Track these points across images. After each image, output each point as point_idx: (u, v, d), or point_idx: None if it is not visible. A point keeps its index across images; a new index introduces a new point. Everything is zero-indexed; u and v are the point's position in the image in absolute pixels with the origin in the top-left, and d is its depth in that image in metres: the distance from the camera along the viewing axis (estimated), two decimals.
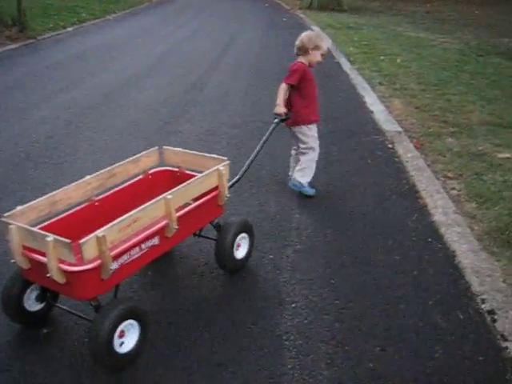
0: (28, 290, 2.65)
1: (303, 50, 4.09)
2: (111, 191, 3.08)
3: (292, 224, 3.91)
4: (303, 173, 4.25)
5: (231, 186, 3.29)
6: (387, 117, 6.46)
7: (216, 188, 3.00)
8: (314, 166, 4.28)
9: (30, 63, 9.61)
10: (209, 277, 3.23)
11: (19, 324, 2.74)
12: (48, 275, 2.28)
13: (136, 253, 2.53)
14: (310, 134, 4.20)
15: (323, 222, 3.95)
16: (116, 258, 2.40)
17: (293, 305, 3.00)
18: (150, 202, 2.57)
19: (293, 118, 4.06)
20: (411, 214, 4.06)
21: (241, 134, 5.86)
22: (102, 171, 3.02)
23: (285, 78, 4.08)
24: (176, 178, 3.21)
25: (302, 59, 4.13)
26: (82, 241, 2.23)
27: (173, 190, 2.71)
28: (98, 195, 3.00)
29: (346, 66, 9.69)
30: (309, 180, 4.29)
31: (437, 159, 5.12)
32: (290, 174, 4.45)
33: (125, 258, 2.46)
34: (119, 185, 3.14)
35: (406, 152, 5.26)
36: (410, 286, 3.18)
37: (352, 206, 4.22)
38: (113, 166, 3.08)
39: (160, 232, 2.64)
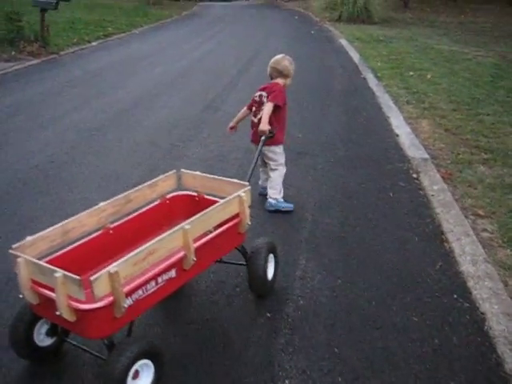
0: (38, 324, 2.50)
1: (284, 74, 4.17)
2: (127, 218, 2.93)
3: (297, 272, 3.42)
4: (275, 190, 4.24)
5: None
6: (413, 141, 5.92)
7: (237, 215, 2.83)
8: (281, 180, 4.30)
9: (46, 80, 9.37)
10: (201, 326, 2.77)
11: (28, 360, 2.57)
12: (57, 313, 2.14)
13: (152, 287, 2.36)
14: (279, 152, 4.24)
15: (332, 271, 3.44)
16: (130, 293, 2.25)
17: (286, 381, 2.51)
18: (167, 233, 2.40)
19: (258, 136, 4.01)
20: (435, 262, 3.53)
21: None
22: (117, 197, 2.86)
23: (270, 98, 4.03)
24: (195, 203, 3.08)
25: (279, 81, 4.18)
26: (92, 277, 2.08)
27: (191, 219, 2.54)
28: (112, 222, 2.85)
29: (373, 82, 9.15)
30: (282, 195, 4.29)
31: (466, 192, 4.56)
32: (259, 182, 4.48)
33: (140, 293, 2.31)
34: (135, 211, 3.00)
35: (432, 183, 4.72)
36: (429, 361, 2.65)
37: (368, 250, 3.70)
38: (129, 191, 2.92)
39: (177, 264, 2.48)
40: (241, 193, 2.81)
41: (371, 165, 5.30)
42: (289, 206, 4.26)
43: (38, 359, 2.57)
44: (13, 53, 10.94)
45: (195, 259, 2.52)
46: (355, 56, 11.89)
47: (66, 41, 13.01)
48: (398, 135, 6.19)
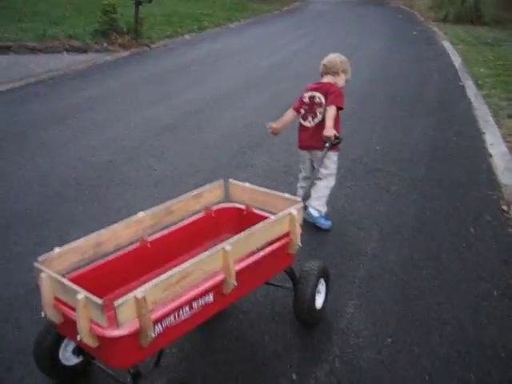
0: (64, 342, 2.30)
1: (333, 71, 3.77)
2: (167, 231, 2.69)
3: (340, 323, 2.85)
4: (321, 201, 3.81)
5: None
6: (509, 164, 5.07)
7: (287, 235, 2.53)
8: (328, 193, 3.86)
9: (130, 73, 9.31)
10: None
11: (53, 378, 2.36)
12: (78, 338, 1.94)
13: (185, 313, 2.10)
14: (333, 160, 3.83)
15: (384, 326, 2.84)
16: (159, 320, 1.99)
17: None
18: (205, 254, 2.14)
19: (321, 142, 3.56)
20: None
21: None
22: (157, 207, 2.62)
23: (331, 100, 3.64)
24: (243, 217, 2.83)
25: (330, 79, 3.78)
26: (117, 302, 1.85)
27: (233, 238, 2.26)
28: (151, 235, 2.61)
29: (471, 90, 8.20)
30: (326, 210, 3.84)
31: None
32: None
33: (171, 319, 2.04)
34: (177, 223, 2.74)
35: None
36: None
37: (432, 304, 3.04)
38: (170, 202, 2.67)
39: (216, 288, 2.20)
40: (292, 210, 2.50)
41: (454, 190, 4.56)
42: (327, 224, 3.83)
43: (64, 378, 2.37)
44: (105, 44, 11.03)
45: (236, 284, 2.22)
46: (456, 60, 10.85)
47: (159, 34, 13.00)
48: (491, 155, 5.35)
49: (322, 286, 2.81)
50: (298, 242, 2.57)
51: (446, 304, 3.02)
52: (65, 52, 10.61)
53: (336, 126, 3.65)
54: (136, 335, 1.93)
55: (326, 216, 3.85)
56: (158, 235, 2.65)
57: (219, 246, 2.19)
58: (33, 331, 2.52)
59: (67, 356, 2.34)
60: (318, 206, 3.79)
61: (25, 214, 4.06)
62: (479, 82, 8.68)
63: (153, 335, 1.94)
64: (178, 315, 2.07)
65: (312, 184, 3.73)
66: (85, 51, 10.71)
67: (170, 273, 2.00)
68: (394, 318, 2.90)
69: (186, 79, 8.93)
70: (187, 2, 19.34)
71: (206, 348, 2.68)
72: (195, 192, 2.79)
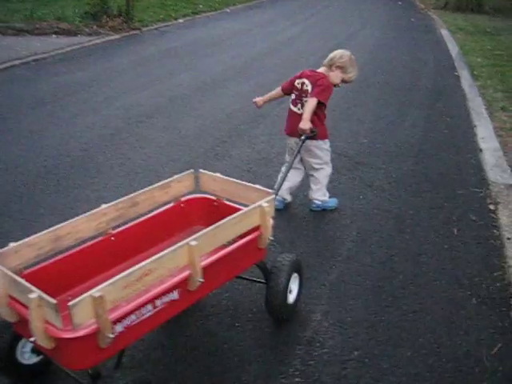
0: (22, 340, 2.16)
1: (329, 64, 3.65)
2: (133, 223, 2.56)
3: (305, 333, 2.64)
4: (322, 192, 3.81)
5: None
6: (499, 160, 4.84)
7: (257, 228, 2.40)
8: (328, 179, 3.86)
9: (117, 57, 9.02)
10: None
11: (11, 379, 2.22)
12: (31, 339, 1.83)
13: (148, 311, 1.98)
14: (325, 148, 3.75)
15: (352, 336, 2.62)
16: (120, 319, 1.87)
17: None
18: (169, 250, 2.01)
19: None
20: (494, 343, 2.60)
21: None
22: (121, 199, 2.48)
23: (316, 92, 3.54)
24: (213, 209, 2.71)
25: (325, 71, 3.67)
26: (71, 302, 1.71)
27: (198, 233, 2.13)
28: (115, 228, 2.49)
29: (466, 81, 7.94)
30: (328, 195, 3.86)
31: None
32: (276, 192, 3.41)
33: (132, 318, 1.92)
34: (144, 215, 2.62)
35: None
36: None
37: (406, 311, 2.82)
38: (136, 193, 2.54)
39: (181, 285, 2.08)
40: (263, 202, 2.38)
41: (440, 187, 4.33)
42: (334, 203, 3.90)
43: (23, 378, 2.23)
44: (94, 27, 10.74)
45: (202, 280, 2.10)
46: (454, 49, 10.56)
47: (152, 17, 12.70)
48: (481, 150, 5.12)
49: (295, 280, 2.68)
50: (269, 235, 2.45)
51: (421, 313, 2.81)
52: (53, 34, 10.32)
53: (316, 118, 3.57)
54: (93, 336, 1.80)
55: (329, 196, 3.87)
56: (122, 228, 2.52)
57: (184, 242, 2.07)
58: None
59: (26, 355, 2.21)
60: (320, 197, 3.81)
61: None
62: (475, 73, 8.41)
63: (111, 336, 1.81)
64: (141, 314, 1.95)
65: (295, 185, 3.83)
66: (74, 34, 10.44)
67: (129, 270, 1.88)
68: (363, 327, 2.69)
69: (175, 64, 8.66)
70: None
71: (171, 345, 2.54)
72: (162, 182, 2.65)
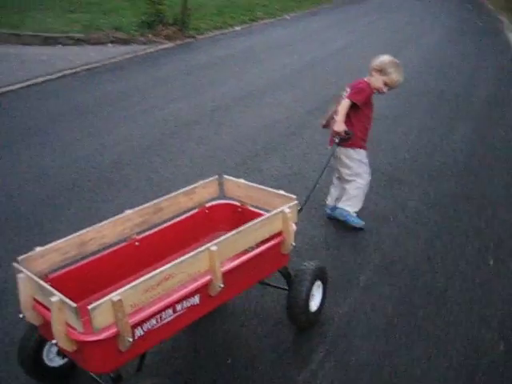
0: (48, 343, 2.19)
1: (370, 69, 3.50)
2: (157, 229, 2.60)
3: (301, 375, 2.40)
4: (351, 202, 3.61)
5: None
6: None
7: (280, 234, 2.40)
8: (362, 195, 3.62)
9: (167, 65, 9.03)
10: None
11: (37, 380, 2.27)
12: (53, 341, 1.88)
13: (169, 316, 2.00)
14: (356, 158, 3.54)
15: None
16: (140, 323, 1.90)
17: None
18: (189, 255, 2.04)
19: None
20: None
21: None
22: (145, 205, 2.51)
23: (350, 94, 3.46)
24: (238, 215, 2.71)
25: (368, 78, 3.52)
26: (91, 306, 1.76)
27: (219, 239, 2.14)
28: (140, 234, 2.51)
29: None
30: (357, 210, 3.63)
31: None
32: (327, 202, 3.80)
33: (153, 322, 1.95)
34: (169, 221, 2.64)
35: None
36: None
37: (418, 361, 2.52)
38: (160, 199, 2.57)
39: (201, 290, 2.10)
40: (285, 208, 2.37)
41: (481, 210, 3.95)
42: (358, 222, 3.62)
43: (49, 380, 2.28)
44: (150, 36, 10.84)
45: (222, 285, 2.11)
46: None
47: (209, 25, 12.66)
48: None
49: (317, 288, 2.64)
50: (292, 241, 2.43)
51: (437, 359, 2.49)
52: (109, 44, 10.50)
53: (358, 121, 3.46)
54: (113, 339, 1.82)
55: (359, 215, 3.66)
56: (147, 233, 2.54)
57: (205, 247, 2.08)
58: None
59: (51, 357, 2.24)
60: (345, 206, 3.61)
61: (13, 217, 3.85)
62: None
63: (130, 340, 1.83)
64: (161, 318, 1.97)
65: (341, 187, 3.69)
66: (129, 43, 10.56)
67: (149, 275, 1.90)
68: (367, 372, 2.41)
69: (223, 73, 8.56)
70: None
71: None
72: (187, 188, 2.66)
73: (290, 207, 2.39)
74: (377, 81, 3.44)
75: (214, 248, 2.06)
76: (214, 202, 2.80)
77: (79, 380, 2.32)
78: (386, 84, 3.45)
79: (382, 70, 3.42)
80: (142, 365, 2.05)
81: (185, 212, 2.70)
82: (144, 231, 2.53)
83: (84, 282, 2.23)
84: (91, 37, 10.60)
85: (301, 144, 5.37)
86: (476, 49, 10.70)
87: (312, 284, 2.55)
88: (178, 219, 2.67)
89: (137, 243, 2.47)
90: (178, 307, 2.01)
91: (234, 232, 2.19)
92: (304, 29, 13.71)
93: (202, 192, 2.73)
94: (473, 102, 6.83)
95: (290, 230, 2.39)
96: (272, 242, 2.36)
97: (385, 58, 3.46)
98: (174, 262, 1.98)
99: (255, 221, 2.30)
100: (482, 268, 3.21)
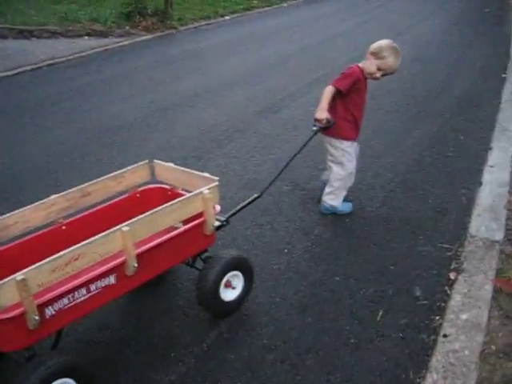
0: None
1: (367, 53, 3.28)
2: (86, 212, 2.59)
3: None
4: (334, 195, 3.50)
5: (248, 204, 2.87)
6: (497, 201, 3.66)
7: (200, 215, 2.39)
8: (344, 187, 3.50)
9: (134, 60, 8.49)
10: None
11: None
12: None
13: (82, 295, 2.01)
14: (339, 147, 3.39)
15: None
16: (49, 303, 1.91)
17: None
18: (99, 236, 2.04)
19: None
20: None
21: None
22: (71, 189, 2.50)
23: (335, 80, 3.27)
24: (168, 198, 2.60)
25: (361, 63, 3.32)
26: None
27: (133, 219, 2.15)
28: (67, 218, 2.50)
29: (511, 86, 6.53)
30: (341, 200, 3.52)
31: None
32: (322, 178, 3.73)
33: (65, 301, 1.96)
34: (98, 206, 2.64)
35: (464, 305, 2.62)
36: None
37: None
38: (87, 184, 2.56)
39: (117, 270, 2.10)
40: (204, 190, 2.37)
41: (397, 238, 3.28)
42: (347, 208, 3.56)
43: None
44: (127, 27, 10.29)
45: (136, 265, 2.13)
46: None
47: (197, 14, 12.05)
48: (480, 184, 3.94)
49: (235, 279, 2.57)
50: (213, 222, 2.42)
51: None
52: (86, 36, 10.00)
53: (332, 112, 3.23)
54: (21, 318, 1.84)
55: (345, 199, 3.54)
56: (74, 218, 2.52)
57: (116, 228, 2.08)
58: None
59: None
60: (329, 201, 3.50)
61: None
62: None
63: (37, 318, 1.85)
64: (73, 297, 1.98)
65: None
66: (106, 35, 10.05)
67: (57, 254, 1.91)
68: None
69: (189, 67, 7.98)
70: None
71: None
72: (116, 173, 2.64)
73: (209, 188, 2.36)
74: (371, 65, 3.22)
75: (125, 228, 2.06)
76: (145, 186, 2.78)
77: None
78: (379, 69, 3.21)
79: (377, 54, 3.19)
80: (57, 342, 2.10)
81: (116, 197, 2.68)
82: (72, 216, 2.50)
83: (7, 265, 2.12)
84: (67, 29, 10.13)
85: (240, 146, 4.78)
86: (474, 38, 9.82)
87: (224, 272, 2.48)
88: (108, 203, 2.65)
89: (64, 227, 2.46)
90: (92, 287, 2.02)
91: (148, 213, 2.18)
92: (298, 18, 12.97)
93: (132, 176, 2.70)
94: (443, 101, 6.07)
95: (210, 212, 2.37)
96: (191, 223, 2.35)
97: (382, 42, 3.23)
98: (83, 242, 1.97)
99: (172, 202, 2.29)
100: (368, 321, 2.57)
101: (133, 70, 7.83)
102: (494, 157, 4.42)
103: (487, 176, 4.06)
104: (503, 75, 7.07)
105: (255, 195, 2.91)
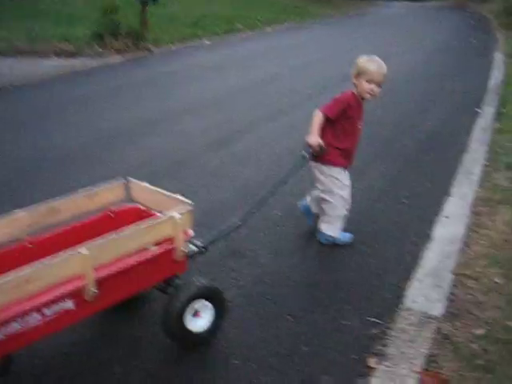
0: None
1: (354, 73, 3.10)
2: (54, 231, 2.41)
3: None
4: (330, 224, 3.29)
5: (229, 233, 2.73)
6: (443, 262, 3.15)
7: (170, 240, 2.25)
8: (340, 216, 3.27)
9: (104, 81, 8.08)
10: None
11: None
12: None
13: (35, 320, 1.89)
14: (329, 174, 3.19)
15: None
16: None
17: None
18: (57, 258, 1.91)
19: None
20: None
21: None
22: (38, 205, 2.35)
23: (325, 105, 3.11)
24: (142, 219, 2.38)
25: (354, 89, 3.14)
26: None
27: (94, 242, 2.02)
28: (34, 235, 2.34)
29: (483, 121, 6.10)
30: (340, 228, 3.30)
31: None
32: (303, 202, 3.54)
33: (14, 326, 1.84)
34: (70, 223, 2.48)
35: None
36: None
37: None
38: (56, 200, 2.41)
39: (75, 295, 1.97)
40: (175, 213, 2.24)
41: (329, 307, 2.75)
42: (347, 238, 3.34)
43: None
44: (97, 48, 9.87)
45: (96, 291, 1.99)
46: (497, 77, 8.57)
47: (174, 36, 11.65)
48: (428, 238, 3.44)
49: (204, 308, 2.40)
50: (183, 247, 2.29)
51: None
52: (54, 56, 9.57)
53: (336, 136, 3.12)
54: None
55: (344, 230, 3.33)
56: (42, 235, 2.38)
57: (75, 250, 1.97)
58: None
59: None
60: (326, 231, 3.29)
61: None
62: (503, 110, 6.50)
63: None
64: (25, 322, 1.86)
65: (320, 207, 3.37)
66: (75, 55, 9.62)
67: (6, 277, 1.79)
68: None
69: (155, 91, 7.54)
70: (235, 3, 17.88)
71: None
72: (89, 191, 2.53)
73: (181, 213, 2.26)
74: (360, 84, 3.06)
75: (85, 251, 1.97)
76: (119, 206, 2.65)
77: None
78: (369, 81, 3.02)
79: (357, 72, 3.05)
80: (7, 367, 2.03)
81: (88, 215, 2.55)
82: (40, 233, 2.37)
83: None
84: (36, 48, 9.71)
85: (198, 169, 4.31)
86: (455, 69, 9.47)
87: (190, 300, 2.32)
88: (80, 222, 2.53)
89: (29, 245, 2.33)
90: (47, 311, 1.92)
91: (112, 235, 2.09)
92: (278, 43, 12.62)
93: (106, 195, 2.58)
94: (409, 140, 5.60)
95: (181, 237, 2.26)
96: (157, 249, 2.25)
97: (357, 61, 3.09)
98: (38, 264, 1.88)
99: (138, 224, 2.18)
100: None
101: (93, 93, 7.38)
102: (451, 205, 3.93)
103: (439, 229, 3.56)
104: (477, 109, 6.63)
105: (237, 223, 2.75)
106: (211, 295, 2.42)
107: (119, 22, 10.20)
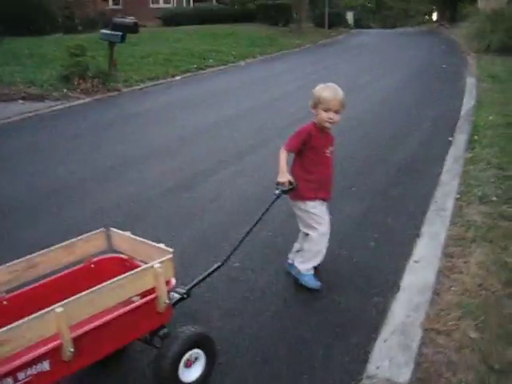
0: None
1: (312, 111, 3.08)
2: (31, 286, 2.33)
3: None
4: (303, 258, 3.19)
5: (209, 274, 2.66)
6: (412, 317, 2.86)
7: (152, 290, 2.15)
8: (316, 250, 3.13)
9: (69, 124, 7.86)
10: None
11: None
12: None
13: None
14: (304, 209, 3.11)
15: None
16: None
17: None
18: (30, 318, 1.83)
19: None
20: None
21: None
22: (16, 261, 2.28)
23: (286, 141, 3.06)
24: (125, 269, 2.33)
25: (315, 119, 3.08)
26: None
27: (69, 299, 1.93)
28: (10, 292, 2.25)
29: (456, 151, 5.92)
30: (310, 267, 3.16)
31: None
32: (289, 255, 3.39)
33: None
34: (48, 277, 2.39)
35: None
36: None
37: None
38: (34, 254, 2.34)
39: (51, 355, 1.87)
40: (155, 264, 2.16)
41: (282, 379, 2.45)
42: (312, 283, 3.16)
43: None
44: (64, 90, 9.66)
45: (73, 350, 1.90)
46: (468, 103, 8.46)
47: (145, 75, 11.49)
48: (398, 288, 3.16)
49: (195, 357, 2.28)
50: (165, 299, 2.17)
51: None
52: (20, 100, 9.33)
53: (304, 170, 3.08)
54: None
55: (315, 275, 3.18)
56: (18, 292, 2.28)
57: (49, 308, 1.88)
58: None
59: None
60: (299, 263, 3.20)
61: None
62: (475, 138, 6.31)
63: None
64: None
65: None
66: (42, 99, 9.39)
67: None
68: None
69: (119, 133, 7.35)
70: (206, 38, 17.89)
71: None
72: (68, 242, 2.46)
73: (162, 262, 2.18)
74: (319, 114, 3.01)
75: (59, 310, 1.87)
76: (100, 256, 2.57)
77: None
78: (326, 110, 2.95)
79: (314, 102, 3.01)
80: None
81: (67, 268, 2.47)
82: (16, 289, 2.29)
83: None
84: (2, 92, 9.47)
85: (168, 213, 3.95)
86: (427, 96, 9.40)
87: (185, 350, 2.23)
88: (59, 274, 2.44)
89: (5, 302, 2.23)
90: (21, 375, 1.79)
91: (88, 291, 1.98)
92: (251, 77, 12.56)
93: (85, 246, 2.51)
94: (378, 173, 5.38)
95: (163, 288, 2.17)
96: (138, 302, 2.15)
97: (313, 90, 3.04)
98: (9, 326, 1.78)
99: (116, 278, 2.08)
100: None
101: (55, 138, 7.13)
102: (421, 247, 3.67)
103: (408, 277, 3.28)
104: (449, 138, 6.45)
105: (217, 264, 2.68)
106: (202, 342, 2.32)
107: (87, 63, 10.00)
